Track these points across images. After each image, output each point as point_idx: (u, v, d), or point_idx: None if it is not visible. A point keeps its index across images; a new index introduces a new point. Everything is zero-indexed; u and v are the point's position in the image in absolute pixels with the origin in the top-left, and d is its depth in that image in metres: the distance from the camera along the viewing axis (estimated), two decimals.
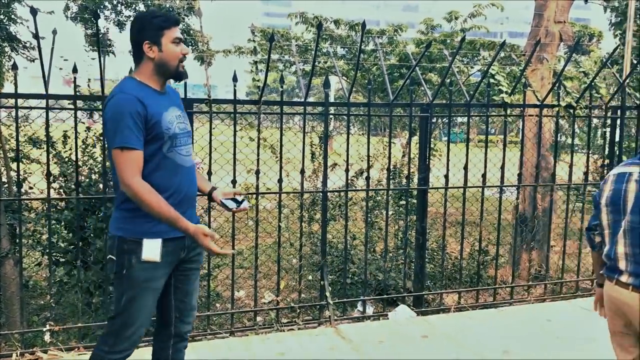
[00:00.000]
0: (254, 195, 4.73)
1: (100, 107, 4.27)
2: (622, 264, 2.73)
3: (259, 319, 5.09)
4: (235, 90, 4.55)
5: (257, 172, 4.65)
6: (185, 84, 4.49)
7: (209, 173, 4.51)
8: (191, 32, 17.54)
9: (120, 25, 17.71)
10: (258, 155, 4.68)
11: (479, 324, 4.79)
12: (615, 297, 2.79)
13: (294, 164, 5.48)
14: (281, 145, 4.81)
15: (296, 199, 6.30)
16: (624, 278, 2.73)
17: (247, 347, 4.25)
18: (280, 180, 4.75)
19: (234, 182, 4.55)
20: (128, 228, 2.63)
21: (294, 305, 5.02)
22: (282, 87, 4.79)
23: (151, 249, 2.61)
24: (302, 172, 4.85)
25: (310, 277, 6.12)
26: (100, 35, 16.90)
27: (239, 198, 2.92)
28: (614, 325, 2.89)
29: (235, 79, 4.55)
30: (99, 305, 4.56)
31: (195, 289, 2.93)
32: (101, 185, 4.41)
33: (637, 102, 6.01)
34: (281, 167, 4.81)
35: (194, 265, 2.88)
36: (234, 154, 4.56)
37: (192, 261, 2.84)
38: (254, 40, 10.74)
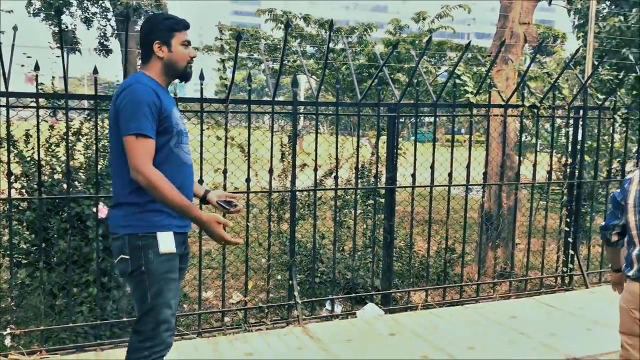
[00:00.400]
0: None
1: (64, 105, 4.19)
2: None
3: (226, 319, 5.06)
4: (202, 89, 4.52)
5: (225, 172, 4.63)
6: None
7: None
8: None
9: (87, 22, 17.38)
10: (225, 154, 4.65)
11: (446, 321, 4.85)
12: None
13: (262, 163, 5.46)
14: (249, 144, 4.79)
15: (265, 199, 6.28)
16: None
17: (214, 348, 4.22)
18: (248, 180, 4.73)
19: (200, 181, 4.51)
20: (138, 224, 2.62)
21: (262, 306, 5.00)
22: (249, 85, 4.77)
23: (167, 241, 2.63)
24: (271, 171, 4.84)
25: (279, 277, 6.10)
26: (70, 33, 16.59)
27: (234, 201, 2.99)
28: (634, 328, 2.90)
29: (202, 77, 4.51)
30: (62, 307, 4.47)
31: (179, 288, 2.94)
32: (65, 185, 4.33)
33: (599, 102, 6.16)
34: (249, 167, 4.79)
35: (184, 265, 2.91)
36: (201, 153, 4.52)
37: (183, 261, 2.86)
38: (221, 39, 10.65)
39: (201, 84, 4.51)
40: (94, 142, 4.34)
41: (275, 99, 4.86)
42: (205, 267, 6.93)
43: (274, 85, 4.94)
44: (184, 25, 2.80)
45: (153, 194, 2.53)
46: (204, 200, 3.03)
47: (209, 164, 5.21)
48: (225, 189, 4.66)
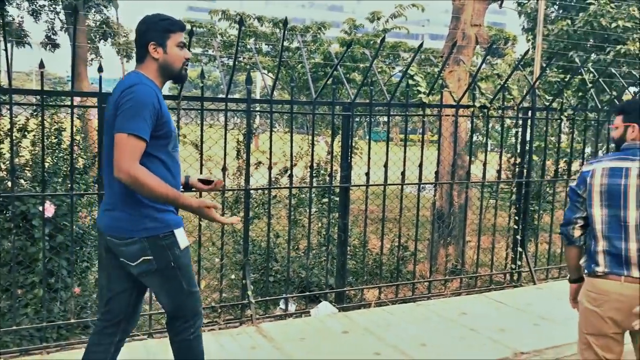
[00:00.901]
0: None
1: (6, 100, 4.03)
2: (634, 260, 2.79)
3: None
4: None
5: None
6: (100, 77, 4.35)
7: None
8: (110, 23, 16.91)
9: (35, 14, 16.77)
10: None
11: (398, 318, 4.91)
12: (626, 295, 2.79)
13: (215, 161, 5.40)
14: (202, 142, 4.73)
15: (218, 197, 6.21)
16: (636, 273, 2.78)
17: (165, 349, 4.13)
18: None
19: None
20: (155, 226, 2.70)
21: (215, 305, 4.95)
22: (202, 82, 4.71)
23: (182, 237, 2.79)
24: (224, 169, 4.79)
25: (232, 277, 6.03)
26: (14, 25, 15.97)
27: (212, 178, 3.14)
28: (608, 328, 2.84)
29: None
30: (6, 309, 4.31)
31: None
32: (9, 183, 4.18)
33: (546, 103, 6.34)
34: (202, 165, 4.73)
35: None
36: None
37: None
38: None
39: None
40: (41, 139, 4.20)
41: (231, 97, 4.81)
42: None
43: (228, 82, 4.89)
44: (179, 27, 2.82)
45: (140, 190, 2.56)
46: (187, 187, 3.13)
47: None
48: None
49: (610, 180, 2.85)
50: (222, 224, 2.81)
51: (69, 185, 4.31)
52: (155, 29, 2.77)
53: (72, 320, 4.37)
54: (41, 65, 4.14)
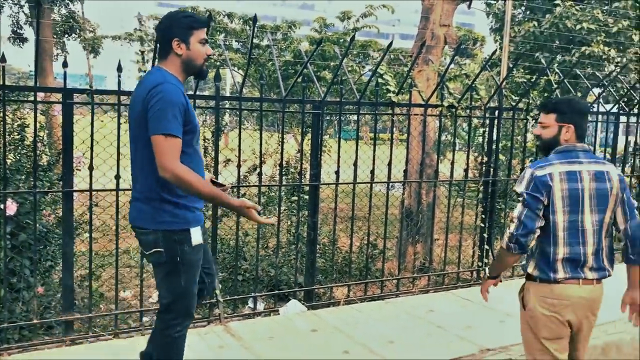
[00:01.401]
0: None
1: None
2: (589, 263, 2.84)
3: (145, 319, 4.92)
4: (119, 81, 4.36)
5: None
6: (65, 73, 4.27)
7: (91, 168, 4.29)
8: (77, 18, 16.58)
9: None
10: None
11: (367, 316, 4.93)
12: (585, 297, 2.85)
13: None
14: None
15: None
16: (590, 275, 2.84)
17: (132, 349, 4.08)
18: None
19: (117, 177, 4.36)
20: (172, 221, 2.83)
21: None
22: None
23: (197, 235, 2.90)
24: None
25: None
26: None
27: (225, 183, 3.30)
28: (566, 331, 2.89)
29: (119, 69, 4.35)
30: None
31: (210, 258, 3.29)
32: None
33: (513, 103, 6.45)
34: None
35: (206, 246, 3.18)
36: (118, 148, 4.37)
37: (207, 242, 3.20)
38: (140, 30, 10.31)
39: (119, 76, 4.36)
40: (1, 135, 4.09)
41: (199, 93, 4.76)
42: (124, 266, 6.72)
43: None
44: (202, 23, 2.91)
45: (185, 188, 2.73)
46: None
47: (127, 160, 5.03)
48: None
49: (569, 185, 2.82)
50: (260, 223, 2.97)
51: (32, 183, 4.21)
52: (179, 26, 2.85)
53: (35, 321, 4.28)
54: (2, 59, 4.03)
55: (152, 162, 2.73)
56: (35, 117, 4.15)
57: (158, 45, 2.92)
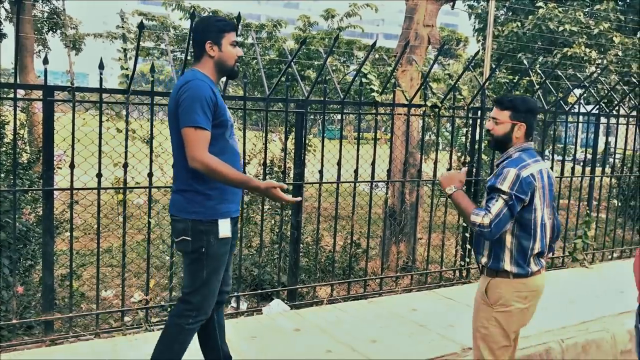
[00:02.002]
0: (121, 191, 4.52)
1: None
2: (545, 254, 3.04)
3: (127, 319, 4.88)
4: (101, 79, 4.31)
5: (125, 166, 4.45)
6: (46, 70, 4.22)
7: (72, 166, 4.24)
8: (58, 14, 16.37)
9: None
10: (126, 147, 4.48)
11: (350, 315, 4.94)
12: (543, 284, 3.04)
13: (166, 157, 5.30)
14: (151, 138, 4.64)
15: (168, 194, 6.11)
16: (544, 263, 3.03)
17: (113, 349, 4.06)
18: (150, 174, 4.58)
19: (99, 175, 4.32)
20: (202, 211, 2.95)
21: (164, 304, 4.86)
22: (152, 76, 4.62)
23: (225, 227, 3.00)
24: (175, 166, 4.70)
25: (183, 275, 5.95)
26: None
27: None
28: (528, 320, 3.05)
29: (101, 66, 4.31)
30: None
31: (231, 259, 3.32)
32: None
33: None
34: (151, 160, 4.64)
35: (234, 242, 3.25)
36: (99, 146, 4.33)
37: (234, 237, 3.20)
38: (122, 27, 10.20)
39: (100, 74, 4.31)
40: None
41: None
42: (106, 266, 6.66)
43: (179, 77, 4.80)
44: (232, 27, 3.08)
45: (214, 176, 2.84)
46: None
47: (109, 158, 5.00)
48: (125, 183, 4.49)
49: (543, 183, 2.98)
50: (287, 202, 3.04)
51: (12, 181, 4.16)
52: (212, 29, 3.02)
53: (14, 321, 4.23)
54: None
55: (184, 155, 2.87)
56: (15, 114, 4.10)
57: (192, 48, 3.10)
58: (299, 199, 3.21)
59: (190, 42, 3.13)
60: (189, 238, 2.96)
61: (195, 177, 2.92)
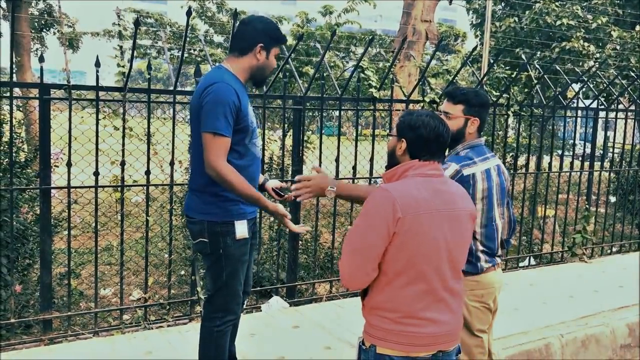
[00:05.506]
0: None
1: None
2: (498, 251, 3.01)
3: (126, 317, 4.87)
4: (97, 77, 4.30)
5: (122, 164, 4.44)
6: (42, 68, 4.20)
7: (69, 164, 4.23)
8: (54, 13, 16.33)
9: None
10: (123, 145, 4.46)
11: (349, 312, 4.93)
12: (499, 279, 3.00)
13: (162, 155, 5.30)
14: (149, 135, 4.63)
15: (166, 192, 6.10)
16: (498, 260, 3.01)
17: (112, 347, 4.05)
18: (147, 172, 4.57)
19: (96, 173, 4.31)
20: (217, 212, 2.92)
21: (163, 302, 4.86)
22: (149, 74, 4.61)
23: (242, 228, 2.97)
24: (172, 163, 4.70)
25: (182, 272, 5.94)
26: None
27: (285, 186, 3.29)
28: (489, 318, 3.01)
29: (97, 64, 4.29)
30: None
31: (252, 259, 3.31)
32: None
33: (494, 99, 6.47)
34: (149, 158, 4.62)
35: (254, 241, 3.25)
36: (97, 144, 4.31)
37: (254, 237, 3.21)
38: (118, 24, 10.15)
39: (97, 72, 4.30)
40: None
41: (180, 89, 4.71)
42: (104, 264, 6.65)
43: (176, 74, 4.79)
44: (284, 41, 3.07)
45: (226, 186, 2.81)
46: (261, 188, 3.26)
47: (106, 156, 4.98)
48: (123, 181, 4.48)
49: (488, 184, 2.87)
50: (293, 231, 3.04)
51: (9, 180, 4.14)
52: (269, 35, 2.96)
53: (13, 320, 4.22)
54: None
55: (201, 157, 2.84)
56: (11, 113, 4.08)
57: (235, 40, 2.98)
58: (304, 229, 3.14)
59: (234, 33, 3.02)
60: (206, 240, 2.94)
61: (211, 179, 2.88)
